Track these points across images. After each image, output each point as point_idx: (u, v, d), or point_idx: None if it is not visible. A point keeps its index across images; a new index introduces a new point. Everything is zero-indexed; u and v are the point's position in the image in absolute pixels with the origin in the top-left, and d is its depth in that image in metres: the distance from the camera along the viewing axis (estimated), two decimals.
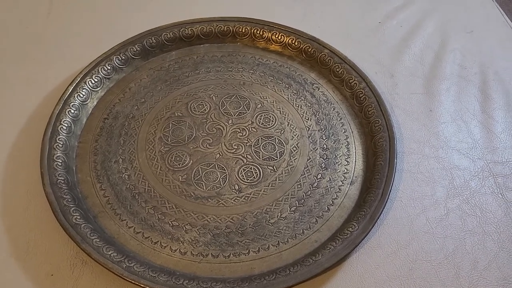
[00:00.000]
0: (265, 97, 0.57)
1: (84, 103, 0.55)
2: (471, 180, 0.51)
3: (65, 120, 0.52)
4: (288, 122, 0.55)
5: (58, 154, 0.49)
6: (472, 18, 0.69)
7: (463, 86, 0.60)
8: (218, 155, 0.52)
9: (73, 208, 0.45)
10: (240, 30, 0.63)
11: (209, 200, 0.48)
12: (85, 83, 0.56)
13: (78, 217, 0.45)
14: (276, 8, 0.70)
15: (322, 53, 0.60)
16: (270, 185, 0.49)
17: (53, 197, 0.45)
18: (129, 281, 0.40)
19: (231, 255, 0.45)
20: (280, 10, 0.69)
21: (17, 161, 0.51)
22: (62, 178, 0.48)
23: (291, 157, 0.52)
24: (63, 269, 0.43)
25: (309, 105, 0.57)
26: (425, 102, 0.58)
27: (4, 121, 0.55)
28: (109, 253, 0.42)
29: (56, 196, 0.45)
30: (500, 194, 0.50)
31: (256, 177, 0.50)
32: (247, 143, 0.53)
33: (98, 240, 0.43)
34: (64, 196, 0.46)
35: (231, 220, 0.47)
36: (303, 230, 0.46)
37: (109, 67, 0.58)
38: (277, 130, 0.54)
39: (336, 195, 0.49)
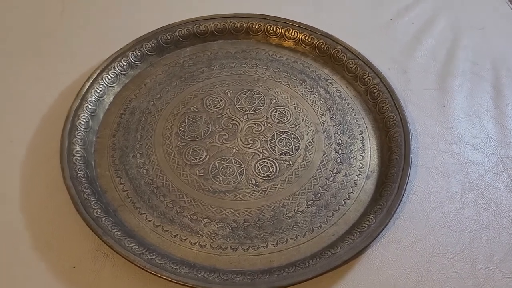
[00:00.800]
0: (279, 92, 0.58)
1: (101, 98, 0.55)
2: (485, 174, 0.51)
3: (83, 115, 0.53)
4: (303, 118, 0.55)
5: (77, 149, 0.50)
6: (483, 15, 0.70)
7: (476, 82, 0.60)
8: (234, 150, 0.52)
9: (93, 202, 0.46)
10: (253, 26, 0.63)
11: (226, 194, 0.49)
12: (101, 79, 0.56)
13: (99, 211, 0.45)
14: (288, 5, 0.70)
15: (336, 49, 0.60)
16: (286, 180, 0.50)
17: (74, 191, 0.46)
18: (151, 273, 0.41)
19: (250, 248, 0.45)
20: (292, 7, 0.70)
21: (36, 156, 0.52)
22: (82, 173, 0.48)
23: (307, 152, 0.52)
24: (85, 262, 0.44)
25: (323, 100, 0.57)
26: (438, 98, 0.59)
27: (22, 117, 0.55)
28: (131, 245, 0.43)
29: (76, 190, 0.46)
30: None
31: (273, 171, 0.50)
32: (262, 138, 0.53)
33: (119, 233, 0.44)
34: (84, 190, 0.47)
35: (249, 214, 0.47)
36: (320, 224, 0.47)
37: (124, 63, 0.58)
38: (292, 126, 0.55)
39: (352, 189, 0.50)
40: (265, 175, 0.50)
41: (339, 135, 0.54)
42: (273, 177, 0.50)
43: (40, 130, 0.54)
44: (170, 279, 0.41)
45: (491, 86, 0.60)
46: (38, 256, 0.44)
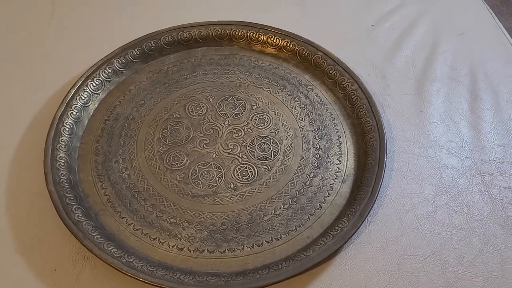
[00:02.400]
0: (260, 98, 0.59)
1: (85, 105, 0.57)
2: (459, 178, 0.53)
3: (67, 122, 0.54)
4: (283, 123, 0.57)
5: (61, 155, 0.51)
6: (464, 21, 0.71)
7: (453, 87, 0.62)
8: (214, 154, 0.54)
9: (75, 206, 0.47)
10: (236, 33, 0.65)
11: (205, 198, 0.50)
12: (86, 85, 0.58)
13: (80, 215, 0.47)
14: (272, 11, 0.72)
15: (316, 56, 0.62)
16: (264, 184, 0.51)
17: (56, 196, 0.47)
18: (128, 275, 0.42)
19: (227, 250, 0.46)
20: (276, 14, 0.71)
21: (21, 162, 0.53)
22: (65, 178, 0.50)
23: (285, 157, 0.54)
24: (66, 264, 0.45)
25: (303, 106, 0.59)
26: (416, 103, 0.60)
27: (8, 123, 0.57)
28: (110, 248, 0.44)
29: (59, 194, 0.47)
30: (487, 192, 0.52)
31: (251, 176, 0.52)
32: (242, 143, 0.55)
33: (99, 236, 0.45)
34: (66, 194, 0.48)
35: (226, 218, 0.49)
36: (295, 227, 0.48)
37: (109, 70, 0.60)
38: (271, 131, 0.56)
39: (328, 193, 0.51)
40: (243, 180, 0.52)
41: (317, 140, 0.55)
42: (251, 181, 0.52)
43: (26, 136, 0.56)
44: (146, 281, 0.42)
45: (468, 91, 0.61)
46: (21, 259, 0.46)
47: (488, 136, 0.56)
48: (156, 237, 0.47)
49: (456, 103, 0.60)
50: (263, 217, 0.49)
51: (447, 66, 0.64)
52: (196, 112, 0.57)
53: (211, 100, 0.59)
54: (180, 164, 0.53)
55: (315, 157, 0.54)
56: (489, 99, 0.60)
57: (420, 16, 0.71)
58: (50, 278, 0.44)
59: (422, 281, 0.45)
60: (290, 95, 0.60)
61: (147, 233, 0.47)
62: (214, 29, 0.65)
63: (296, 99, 0.59)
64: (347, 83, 0.59)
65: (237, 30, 0.65)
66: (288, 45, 0.64)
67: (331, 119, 0.57)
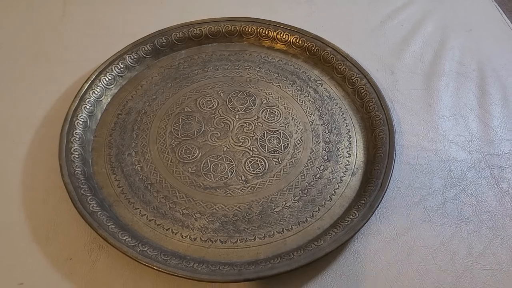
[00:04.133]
0: (270, 93, 0.60)
1: (99, 99, 0.58)
2: (467, 171, 0.53)
3: (81, 116, 0.55)
4: (292, 117, 0.57)
5: (75, 147, 0.52)
6: (471, 17, 0.72)
7: (462, 82, 0.62)
8: (225, 148, 0.54)
9: (90, 197, 0.48)
10: (246, 29, 0.66)
11: (217, 190, 0.51)
12: (99, 80, 0.59)
13: (95, 205, 0.48)
14: (281, 8, 0.73)
15: (325, 51, 0.63)
16: (275, 176, 0.52)
17: (71, 187, 0.48)
18: (143, 264, 0.43)
19: (238, 241, 0.47)
20: (285, 10, 0.72)
21: (36, 155, 0.54)
22: (79, 170, 0.51)
23: (295, 150, 0.54)
24: (81, 254, 0.46)
25: (313, 100, 0.59)
26: (424, 97, 0.60)
27: (23, 117, 0.58)
28: (124, 238, 0.45)
29: (74, 186, 0.48)
30: (496, 185, 0.52)
31: (262, 168, 0.53)
32: (253, 136, 0.55)
33: (113, 226, 0.46)
34: (81, 186, 0.49)
35: (238, 209, 0.50)
36: (306, 218, 0.49)
37: (122, 66, 0.61)
38: (281, 125, 0.57)
39: (338, 185, 0.52)
40: (254, 172, 0.52)
41: (327, 133, 0.56)
42: (262, 174, 0.52)
43: (40, 129, 0.57)
44: (161, 269, 0.43)
45: (476, 86, 0.62)
46: (37, 248, 0.47)
47: (496, 130, 0.57)
48: (169, 228, 0.48)
49: (464, 98, 0.60)
50: (274, 208, 0.50)
51: (455, 62, 0.65)
52: (207, 107, 0.58)
53: (221, 95, 0.60)
54: (192, 157, 0.53)
55: (325, 151, 0.54)
56: (497, 94, 0.61)
57: (428, 13, 0.72)
58: (66, 267, 0.45)
59: (431, 272, 0.46)
60: (299, 90, 0.60)
61: (160, 224, 0.48)
62: (224, 25, 0.66)
63: (306, 93, 0.60)
64: (356, 78, 0.59)
65: (247, 27, 0.66)
66: (297, 41, 0.64)
67: (341, 113, 0.58)
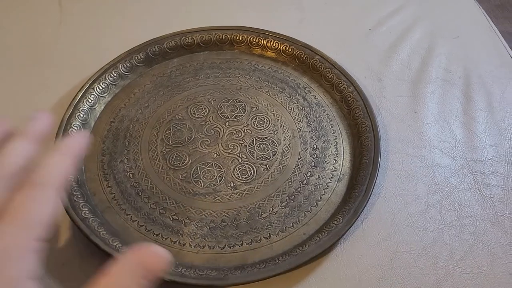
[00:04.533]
0: (260, 100, 0.61)
1: (92, 107, 0.59)
2: (451, 177, 0.55)
3: (75, 124, 0.57)
4: (281, 124, 0.59)
5: None
6: (459, 24, 0.73)
7: (447, 89, 0.64)
8: (215, 155, 0.56)
9: (82, 204, 0.50)
10: (237, 38, 0.67)
11: (206, 196, 0.52)
12: (93, 89, 0.60)
13: (87, 212, 0.49)
14: (271, 16, 0.74)
15: (314, 59, 0.64)
16: (263, 183, 0.53)
17: (64, 193, 0.50)
18: None
19: (226, 246, 0.49)
20: (275, 18, 0.74)
21: None
22: (72, 177, 0.52)
23: (283, 157, 0.56)
24: (73, 259, 0.48)
25: (301, 108, 0.61)
26: (410, 104, 0.62)
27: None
28: (115, 244, 0.47)
29: (66, 192, 0.50)
30: (478, 190, 0.53)
31: (250, 175, 0.54)
32: (242, 143, 0.57)
33: (105, 232, 0.48)
34: (74, 192, 0.50)
35: (226, 215, 0.51)
36: (292, 224, 0.50)
37: (115, 74, 0.62)
38: (270, 132, 0.58)
39: (324, 191, 0.53)
40: (243, 178, 0.54)
41: (314, 140, 0.57)
42: (250, 180, 0.54)
43: None
44: None
45: (462, 93, 0.63)
46: None
47: (480, 136, 0.58)
48: (159, 233, 0.49)
49: (450, 105, 0.62)
50: (262, 214, 0.51)
51: (442, 69, 0.66)
52: (198, 114, 0.60)
53: (212, 103, 0.61)
54: (182, 163, 0.55)
55: (312, 157, 0.56)
56: (482, 101, 0.62)
57: (416, 20, 0.73)
58: (59, 273, 0.47)
59: (413, 276, 0.47)
60: (288, 97, 0.62)
61: (151, 229, 0.50)
62: (216, 34, 0.67)
63: (295, 101, 0.61)
64: (343, 86, 0.61)
65: (238, 35, 0.67)
66: (287, 49, 0.66)
67: (328, 120, 0.59)
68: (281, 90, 0.63)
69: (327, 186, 0.53)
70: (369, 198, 0.50)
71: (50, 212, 0.28)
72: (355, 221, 0.48)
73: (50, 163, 0.30)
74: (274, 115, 0.60)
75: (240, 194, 0.52)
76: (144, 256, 0.28)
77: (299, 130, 0.58)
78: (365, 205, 0.49)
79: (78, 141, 0.33)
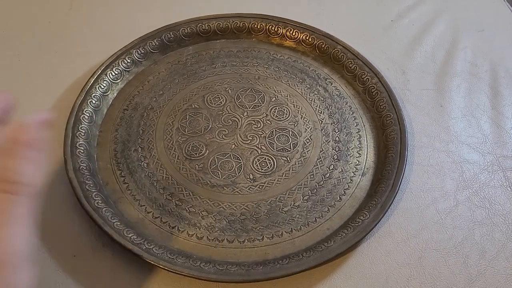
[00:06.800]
0: (279, 91, 0.59)
1: (105, 94, 0.57)
2: (480, 173, 0.52)
3: (87, 110, 0.54)
4: (302, 115, 0.56)
5: (80, 142, 0.51)
6: (483, 17, 0.70)
7: (474, 83, 0.61)
8: (233, 145, 0.53)
9: (95, 193, 0.47)
10: (255, 26, 0.65)
11: (224, 188, 0.50)
12: (106, 75, 0.58)
13: (100, 202, 0.47)
14: (290, 5, 0.72)
15: (335, 49, 0.61)
16: (283, 175, 0.51)
17: (76, 182, 0.47)
18: (148, 262, 0.42)
19: (246, 240, 0.46)
20: (294, 8, 0.71)
21: None
22: (84, 165, 0.49)
23: (304, 149, 0.53)
24: (85, 250, 0.45)
25: (322, 99, 0.58)
26: (436, 98, 0.59)
27: (27, 111, 0.56)
28: (129, 235, 0.44)
29: (79, 181, 0.47)
30: (509, 188, 0.51)
31: (270, 167, 0.52)
32: (261, 134, 0.54)
33: (118, 223, 0.45)
34: (86, 181, 0.48)
35: (245, 208, 0.48)
36: (315, 218, 0.48)
37: (128, 60, 0.60)
38: (290, 123, 0.56)
39: (348, 185, 0.50)
40: (262, 170, 0.51)
41: (336, 132, 0.55)
42: (270, 172, 0.51)
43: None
44: (166, 268, 0.42)
45: (489, 87, 0.61)
46: (41, 245, 0.45)
47: (510, 132, 0.56)
48: (175, 226, 0.47)
49: (477, 99, 0.59)
50: (283, 208, 0.49)
51: (468, 62, 0.64)
52: (215, 103, 0.57)
53: (229, 92, 0.59)
54: (199, 154, 0.52)
55: (335, 150, 0.53)
56: (511, 96, 0.59)
57: (439, 13, 0.71)
58: (70, 264, 0.44)
59: (444, 275, 0.45)
60: (309, 88, 0.59)
61: (166, 221, 0.47)
62: (233, 21, 0.65)
63: (315, 92, 0.59)
64: (367, 77, 0.58)
65: (256, 23, 0.65)
66: (307, 38, 0.63)
67: (351, 113, 0.57)
68: (301, 80, 0.60)
69: (351, 180, 0.51)
70: (396, 193, 0.47)
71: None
72: (382, 216, 0.46)
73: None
74: (294, 106, 0.57)
75: (260, 187, 0.50)
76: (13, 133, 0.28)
77: (320, 122, 0.56)
78: (393, 201, 0.47)
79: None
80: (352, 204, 0.49)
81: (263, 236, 0.46)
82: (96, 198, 0.47)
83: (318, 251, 0.44)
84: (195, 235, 0.46)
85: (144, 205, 0.48)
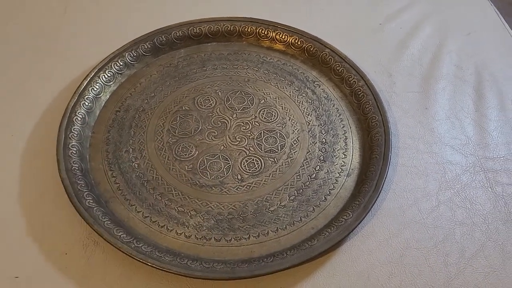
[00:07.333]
0: (268, 93, 0.60)
1: (97, 96, 0.58)
2: (462, 174, 0.53)
3: (79, 112, 0.55)
4: (290, 117, 0.58)
5: (73, 143, 0.52)
6: (471, 21, 0.72)
7: (459, 85, 0.63)
8: (222, 146, 0.55)
9: (86, 193, 0.49)
10: (245, 29, 0.66)
11: (213, 188, 0.51)
12: (98, 77, 0.59)
13: (91, 201, 0.48)
14: (281, 9, 0.73)
15: (324, 52, 0.63)
16: (270, 176, 0.52)
17: (68, 182, 0.48)
18: (137, 260, 0.43)
19: (233, 239, 0.47)
20: (285, 11, 0.72)
21: (34, 150, 0.55)
22: (77, 166, 0.51)
23: (291, 150, 0.55)
24: (76, 249, 0.47)
25: (310, 101, 0.60)
26: (421, 100, 0.61)
27: (22, 113, 0.58)
28: (119, 234, 0.45)
29: (70, 181, 0.49)
30: (490, 188, 0.52)
31: (258, 167, 0.53)
32: (250, 136, 0.56)
33: (109, 222, 0.47)
34: (78, 181, 0.49)
35: (233, 207, 0.50)
36: (300, 218, 0.49)
37: (121, 63, 0.61)
38: (278, 125, 0.57)
39: (333, 186, 0.52)
40: (250, 171, 0.53)
41: (323, 134, 0.56)
42: (258, 173, 0.53)
43: (39, 125, 0.57)
44: (154, 265, 0.43)
45: (474, 90, 0.62)
46: (33, 242, 0.47)
47: (492, 134, 0.57)
48: (164, 225, 0.48)
49: (461, 102, 0.61)
50: (269, 207, 0.50)
51: (453, 65, 0.65)
52: (205, 105, 0.59)
53: (219, 94, 0.60)
54: (188, 155, 0.54)
55: (321, 151, 0.55)
56: (494, 98, 0.61)
57: (427, 16, 0.72)
58: (61, 262, 0.46)
59: (424, 273, 0.46)
60: (297, 90, 0.61)
61: (156, 221, 0.49)
62: (224, 25, 0.66)
63: (303, 94, 0.60)
64: (353, 80, 0.60)
65: (246, 26, 0.66)
66: (296, 41, 0.65)
67: (338, 115, 0.58)
68: (289, 83, 0.62)
69: (336, 180, 0.52)
70: (379, 193, 0.49)
71: None
72: (365, 216, 0.47)
73: None
74: (282, 108, 0.59)
75: (248, 187, 0.51)
76: None
77: (308, 123, 0.57)
78: (375, 201, 0.48)
79: None
80: (337, 204, 0.50)
81: (249, 235, 0.48)
82: (88, 198, 0.48)
83: (302, 249, 0.45)
84: (183, 234, 0.48)
85: (134, 205, 0.50)
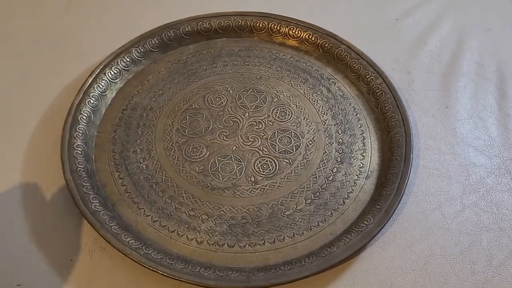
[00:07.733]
0: (281, 91, 0.58)
1: (103, 94, 0.56)
2: (487, 177, 0.51)
3: (85, 110, 0.53)
4: (304, 116, 0.55)
5: (78, 143, 0.50)
6: (490, 17, 0.69)
7: (480, 83, 0.60)
8: (234, 147, 0.52)
9: (92, 196, 0.46)
10: (257, 24, 0.63)
11: (225, 191, 0.49)
12: (104, 74, 0.56)
13: (97, 204, 0.46)
14: (294, 3, 0.70)
15: (339, 49, 0.60)
16: (285, 178, 0.50)
17: (73, 184, 0.46)
18: (147, 268, 0.41)
19: (247, 245, 0.45)
20: (297, 6, 0.70)
21: (37, 150, 0.52)
22: (82, 166, 0.48)
23: (307, 151, 0.52)
24: (82, 255, 0.44)
25: (325, 100, 0.57)
26: (441, 99, 0.58)
27: (25, 112, 0.56)
28: (127, 240, 0.43)
29: (76, 183, 0.46)
30: None
31: (272, 169, 0.50)
32: (263, 136, 0.53)
33: (116, 227, 0.44)
34: (83, 183, 0.47)
35: (247, 211, 0.47)
36: (318, 223, 0.47)
37: (128, 59, 0.59)
38: (293, 124, 0.54)
39: (352, 188, 0.49)
40: (264, 173, 0.50)
41: (340, 134, 0.54)
42: (272, 175, 0.50)
43: (43, 124, 0.55)
44: (165, 274, 0.41)
45: (496, 88, 0.59)
46: (36, 248, 0.44)
47: None
48: (175, 230, 0.46)
49: (483, 100, 0.58)
50: (285, 211, 0.47)
51: (474, 62, 0.62)
52: (215, 104, 0.56)
53: (231, 92, 0.57)
54: (199, 155, 0.51)
55: (338, 152, 0.52)
56: None
57: (445, 11, 0.70)
58: (66, 269, 0.43)
59: (450, 282, 0.43)
60: (312, 88, 0.58)
61: (165, 225, 0.46)
62: (235, 20, 0.63)
63: (318, 92, 0.58)
64: (371, 77, 0.57)
65: (258, 21, 0.63)
66: (310, 37, 0.62)
67: (354, 114, 0.56)
68: (303, 80, 0.59)
69: (355, 183, 0.50)
70: (401, 197, 0.46)
71: None
72: (387, 221, 0.45)
73: None
74: (296, 107, 0.56)
75: (262, 190, 0.49)
76: None
77: (323, 123, 0.55)
78: (397, 205, 0.46)
79: None
80: (356, 208, 0.48)
81: (264, 241, 0.45)
82: (94, 201, 0.46)
83: (321, 256, 0.43)
84: (194, 239, 0.45)
85: (142, 208, 0.47)
